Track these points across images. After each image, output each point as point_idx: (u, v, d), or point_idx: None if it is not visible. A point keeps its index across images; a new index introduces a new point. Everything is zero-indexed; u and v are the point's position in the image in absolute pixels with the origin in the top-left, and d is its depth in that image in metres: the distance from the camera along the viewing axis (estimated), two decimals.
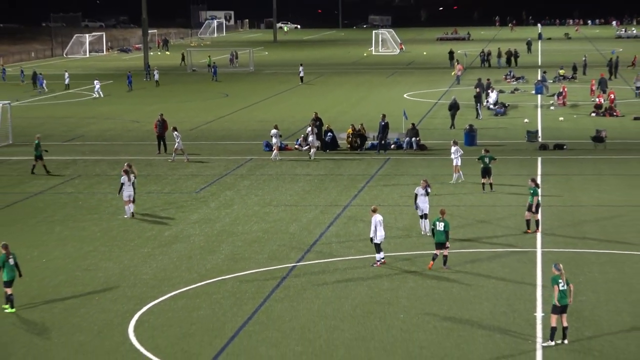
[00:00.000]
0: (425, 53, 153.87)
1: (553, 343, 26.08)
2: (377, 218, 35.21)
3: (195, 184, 55.04)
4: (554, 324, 25.93)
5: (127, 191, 46.50)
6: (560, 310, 25.76)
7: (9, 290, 31.10)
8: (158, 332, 29.32)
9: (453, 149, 50.95)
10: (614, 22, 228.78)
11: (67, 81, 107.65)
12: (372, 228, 35.08)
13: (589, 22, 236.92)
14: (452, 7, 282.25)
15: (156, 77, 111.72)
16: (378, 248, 35.30)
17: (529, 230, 39.67)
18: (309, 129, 61.67)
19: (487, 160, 47.39)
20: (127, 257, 38.55)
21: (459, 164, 50.53)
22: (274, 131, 61.63)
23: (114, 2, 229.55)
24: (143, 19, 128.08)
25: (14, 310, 31.04)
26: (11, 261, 31.34)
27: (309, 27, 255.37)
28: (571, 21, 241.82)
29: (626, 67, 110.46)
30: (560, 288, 25.80)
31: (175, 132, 61.17)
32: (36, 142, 57.50)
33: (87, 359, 27.50)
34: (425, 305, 30.56)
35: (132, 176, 46.05)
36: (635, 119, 73.20)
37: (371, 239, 35.38)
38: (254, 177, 56.74)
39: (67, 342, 28.82)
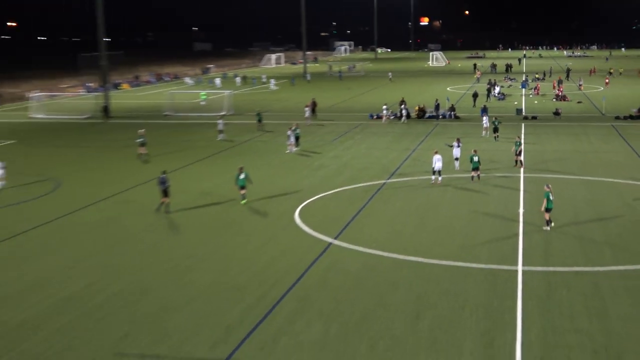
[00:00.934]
0: (459, 65, 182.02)
1: (548, 228, 30.37)
2: (437, 156, 40.47)
3: (330, 136, 61.26)
4: (547, 218, 30.42)
5: (290, 140, 52.77)
6: (548, 210, 30.15)
7: (242, 191, 36.80)
8: (310, 216, 34.39)
9: (484, 118, 60.11)
10: (564, 50, 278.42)
11: (263, 79, 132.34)
12: (434, 161, 40.34)
13: (555, 48, 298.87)
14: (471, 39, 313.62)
15: (308, 78, 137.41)
16: (437, 173, 40.57)
17: (516, 165, 45.49)
18: (402, 106, 71.23)
19: (496, 123, 56.59)
20: (293, 176, 44.04)
21: (487, 126, 58.62)
22: (384, 106, 71.38)
23: (287, 37, 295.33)
24: (303, 46, 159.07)
25: (244, 202, 36.59)
26: (242, 176, 36.55)
27: (395, 50, 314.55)
28: (543, 47, 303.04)
29: (588, 75, 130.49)
30: (551, 199, 30.05)
31: (306, 108, 71.21)
32: (258, 112, 67.46)
33: (271, 228, 32.61)
34: (459, 204, 36.17)
35: (297, 130, 53.32)
36: (578, 102, 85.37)
37: (432, 169, 40.58)
38: (363, 133, 63.72)
39: (247, 224, 34.46)
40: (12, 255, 28.91)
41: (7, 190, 40.62)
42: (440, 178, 40.57)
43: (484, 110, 63.39)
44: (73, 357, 19.51)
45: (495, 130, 56.47)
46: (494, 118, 58.32)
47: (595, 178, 41.56)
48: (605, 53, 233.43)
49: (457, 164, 44.06)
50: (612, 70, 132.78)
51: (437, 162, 40.49)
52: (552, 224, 30.74)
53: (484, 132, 58.19)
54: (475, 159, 41.16)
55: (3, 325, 21.78)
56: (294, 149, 52.70)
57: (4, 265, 27.62)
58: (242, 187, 36.92)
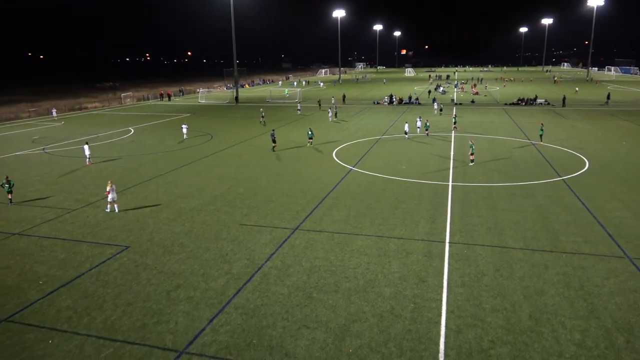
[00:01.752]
0: (421, 75, 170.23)
1: (471, 164, 28.98)
2: (406, 124, 39.44)
3: (352, 112, 58.72)
4: (471, 159, 29.24)
5: (329, 114, 51.20)
6: (472, 154, 29.03)
7: (310, 140, 36.24)
8: (341, 154, 34.07)
9: (435, 104, 59.71)
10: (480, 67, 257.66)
11: (320, 84, 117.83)
12: (405, 126, 39.42)
13: (488, 66, 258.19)
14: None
15: (340, 81, 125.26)
16: (405, 133, 39.05)
17: (454, 128, 43.53)
18: (387, 97, 68.13)
19: (440, 106, 57.12)
20: (330, 133, 42.80)
21: (436, 107, 55.72)
22: (385, 97, 68.53)
23: (330, 60, 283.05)
24: (339, 64, 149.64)
25: (309, 145, 36.16)
26: (309, 132, 36.37)
27: (388, 67, 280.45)
28: (467, 66, 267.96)
29: (494, 80, 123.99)
30: (473, 148, 29.30)
31: (333, 99, 65.97)
32: (318, 100, 64.05)
33: (320, 160, 32.05)
34: (419, 150, 35.31)
35: (336, 109, 52.09)
36: (485, 96, 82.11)
37: (404, 130, 39.42)
38: (370, 111, 61.50)
39: (308, 158, 33.62)
40: (188, 172, 29.28)
41: (188, 140, 41.12)
42: (406, 136, 39.39)
43: (434, 100, 62.06)
44: (218, 227, 19.91)
45: (440, 110, 55.27)
46: (440, 104, 56.85)
47: (492, 136, 40.37)
48: (504, 69, 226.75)
49: (418, 130, 42.36)
50: (511, 79, 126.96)
51: (406, 127, 39.63)
52: (473, 163, 29.51)
53: (435, 112, 56.32)
54: (428, 124, 40.45)
55: (184, 208, 22.10)
56: (334, 118, 51.73)
57: (187, 177, 27.90)
58: (310, 138, 36.73)
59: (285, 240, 18.19)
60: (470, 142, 30.38)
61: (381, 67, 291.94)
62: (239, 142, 39.30)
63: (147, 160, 32.89)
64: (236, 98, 75.73)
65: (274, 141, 35.37)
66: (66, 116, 59.18)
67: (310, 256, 16.80)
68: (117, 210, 21.61)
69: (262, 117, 51.38)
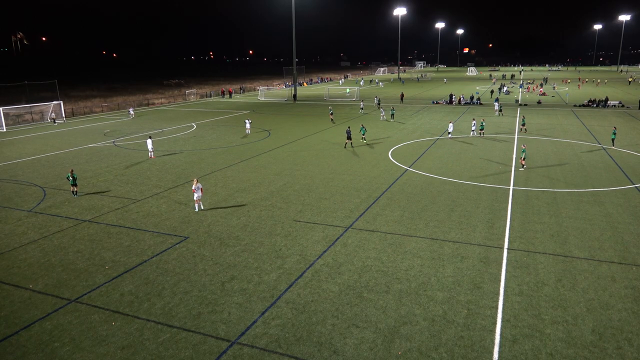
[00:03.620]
0: (489, 74, 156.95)
1: (522, 169, 28.12)
2: (473, 122, 39.51)
3: (410, 112, 58.14)
4: (522, 163, 28.24)
5: (382, 113, 50.60)
6: (523, 159, 28.34)
7: (363, 136, 36.90)
8: (397, 154, 33.63)
9: (496, 104, 54.95)
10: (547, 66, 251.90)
11: (378, 82, 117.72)
12: (472, 124, 39.31)
13: (547, 65, 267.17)
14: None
15: (403, 81, 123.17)
16: (473, 132, 39.04)
17: (523, 130, 41.76)
18: (456, 97, 67.34)
19: (500, 107, 53.44)
20: (391, 132, 42.27)
21: (497, 108, 53.66)
22: (443, 99, 67.23)
23: (390, 58, 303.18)
24: (398, 64, 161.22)
25: (364, 142, 36.17)
26: (362, 130, 36.80)
27: (449, 66, 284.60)
28: (535, 64, 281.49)
29: (561, 82, 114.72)
30: (525, 153, 28.76)
31: (376, 98, 64.13)
32: (379, 100, 62.60)
33: (376, 159, 31.83)
34: (478, 151, 34.26)
35: (393, 110, 51.69)
36: (552, 97, 75.12)
37: (472, 130, 39.18)
38: (428, 110, 60.28)
39: (363, 157, 33.50)
40: (246, 168, 29.79)
41: (247, 136, 41.89)
42: (449, 136, 38.80)
43: (497, 100, 60.11)
44: (272, 222, 20.19)
45: (500, 110, 53.39)
46: (501, 104, 54.89)
47: (559, 139, 38.51)
48: (571, 69, 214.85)
49: (472, 132, 40.02)
50: (586, 80, 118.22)
51: (450, 127, 38.82)
52: (525, 167, 28.18)
53: (496, 113, 54.11)
54: (484, 123, 39.83)
55: (240, 203, 22.53)
56: (388, 119, 50.90)
57: (244, 173, 28.34)
58: (363, 134, 37.06)
59: (338, 238, 18.18)
60: (522, 145, 29.20)
61: (442, 66, 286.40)
62: (296, 139, 39.62)
63: (208, 155, 33.82)
64: (294, 96, 76.50)
65: (349, 137, 35.90)
66: (135, 111, 61.97)
67: (362, 255, 16.70)
68: (202, 207, 21.44)
69: (331, 114, 52.09)
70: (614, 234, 18.37)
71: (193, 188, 21.22)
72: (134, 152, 35.21)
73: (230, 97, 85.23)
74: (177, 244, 17.96)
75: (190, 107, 67.86)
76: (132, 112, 57.29)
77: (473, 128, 40.55)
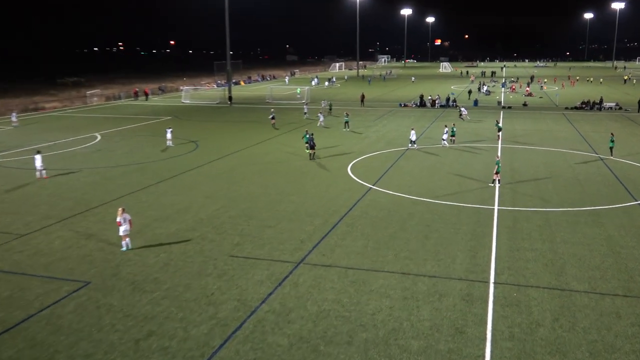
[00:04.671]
0: (460, 71, 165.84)
1: (492, 185, 29.08)
2: (446, 128, 40.90)
3: (373, 117, 59.92)
4: (495, 178, 28.96)
5: (321, 119, 51.49)
6: (497, 173, 28.84)
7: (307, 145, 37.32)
8: (360, 170, 34.24)
9: (463, 108, 58.39)
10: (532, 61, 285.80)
11: (332, 81, 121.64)
12: (444, 131, 40.85)
13: (527, 60, 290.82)
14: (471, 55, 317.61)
15: (370, 81, 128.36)
16: (449, 141, 40.44)
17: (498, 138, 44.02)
18: (421, 99, 69.74)
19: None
20: (351, 142, 43.28)
21: (465, 113, 56.66)
22: (412, 101, 70.83)
23: (347, 52, 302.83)
24: (357, 58, 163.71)
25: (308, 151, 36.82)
26: (307, 136, 37.73)
27: (419, 61, 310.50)
28: (519, 60, 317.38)
29: (550, 80, 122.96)
30: (499, 165, 29.01)
31: (324, 102, 64.28)
32: (330, 104, 62.85)
33: (332, 177, 32.53)
34: (456, 163, 35.51)
35: (320, 113, 52.76)
36: (540, 97, 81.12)
37: (442, 139, 40.65)
38: (395, 115, 62.54)
39: (316, 173, 33.99)
40: (167, 190, 29.51)
41: (170, 150, 41.40)
42: (412, 146, 40.04)
43: (475, 102, 62.52)
44: (202, 259, 19.94)
45: (461, 115, 56.21)
46: (465, 107, 58.63)
47: (549, 148, 40.42)
48: (562, 64, 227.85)
49: (444, 142, 41.01)
50: (576, 77, 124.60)
51: (412, 135, 40.24)
52: (499, 184, 28.99)
53: (463, 117, 56.28)
54: (454, 129, 41.35)
55: (159, 235, 22.28)
56: (322, 124, 51.39)
57: (165, 196, 28.23)
58: (307, 142, 37.94)
59: (287, 277, 18.14)
60: (497, 157, 30.35)
61: (411, 61, 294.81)
62: (232, 152, 39.52)
63: (117, 173, 33.27)
64: (229, 98, 76.63)
65: (312, 147, 36.58)
66: (20, 118, 59.69)
67: (318, 298, 16.67)
68: (130, 247, 20.67)
69: (273, 118, 52.29)
70: (617, 260, 19.30)
71: (118, 220, 20.44)
72: (17, 171, 34.05)
73: (147, 99, 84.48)
74: (75, 291, 17.30)
75: (93, 113, 66.66)
76: (15, 119, 55.43)
77: (444, 137, 41.41)
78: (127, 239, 20.67)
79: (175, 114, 64.27)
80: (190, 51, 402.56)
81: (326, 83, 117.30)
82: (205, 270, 18.69)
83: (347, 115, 52.18)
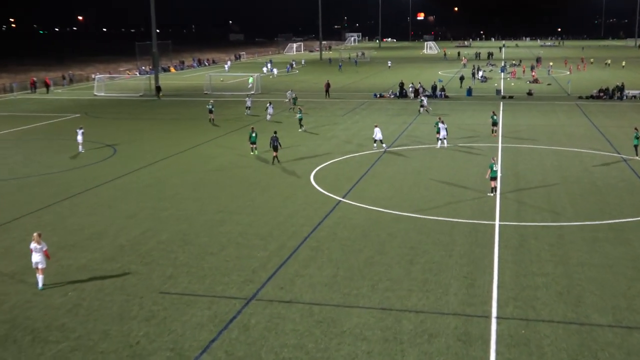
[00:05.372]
0: (449, 52, 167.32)
1: (491, 194, 29.31)
2: (444, 125, 40.98)
3: (342, 111, 60.48)
4: (492, 186, 29.38)
5: (269, 112, 51.19)
6: (493, 179, 29.16)
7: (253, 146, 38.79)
8: (327, 178, 34.46)
9: (424, 97, 60.30)
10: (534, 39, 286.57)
11: (292, 65, 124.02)
12: (440, 128, 40.99)
13: (527, 38, 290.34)
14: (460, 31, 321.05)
15: (340, 65, 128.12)
16: (442, 141, 40.96)
17: (493, 135, 45.11)
18: (401, 88, 70.88)
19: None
20: (314, 143, 43.52)
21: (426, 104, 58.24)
22: (390, 91, 72.69)
23: (306, 29, 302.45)
24: (320, 38, 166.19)
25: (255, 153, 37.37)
26: (253, 134, 38.48)
27: (398, 40, 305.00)
28: (522, 38, 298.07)
29: (560, 63, 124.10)
30: (493, 169, 29.06)
31: (289, 93, 64.04)
32: (294, 97, 61.62)
33: (290, 188, 32.66)
34: (446, 168, 35.91)
35: (269, 105, 50.87)
36: (548, 84, 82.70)
37: (437, 137, 41.27)
38: (369, 109, 63.05)
39: (270, 184, 34.21)
40: (77, 208, 29.05)
41: (83, 154, 40.77)
42: (377, 147, 40.65)
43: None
44: (124, 297, 19.59)
45: (422, 107, 57.32)
46: (426, 98, 58.04)
47: (561, 148, 41.20)
48: (573, 43, 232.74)
49: (440, 141, 41.27)
50: (590, 60, 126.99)
51: (376, 133, 40.45)
52: (496, 192, 29.50)
53: (421, 110, 57.37)
54: (440, 126, 41.40)
55: (67, 268, 21.85)
56: (270, 117, 53.13)
57: (74, 217, 27.76)
58: (252, 143, 38.77)
59: (235, 317, 17.97)
60: (492, 159, 30.32)
61: (389, 40, 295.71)
62: (161, 159, 39.25)
63: (9, 189, 32.73)
64: (157, 88, 75.96)
65: (275, 149, 36.93)
66: None
67: (275, 344, 16.53)
68: (40, 285, 19.93)
69: (211, 112, 52.35)
70: None
71: (31, 247, 19.93)
72: None
73: (48, 91, 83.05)
74: None
75: None
76: None
77: (440, 136, 41.43)
78: (42, 275, 20.04)
79: (85, 110, 63.36)
80: (105, 29, 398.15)
81: (288, 68, 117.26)
82: (128, 312, 18.35)
83: (301, 111, 50.66)
